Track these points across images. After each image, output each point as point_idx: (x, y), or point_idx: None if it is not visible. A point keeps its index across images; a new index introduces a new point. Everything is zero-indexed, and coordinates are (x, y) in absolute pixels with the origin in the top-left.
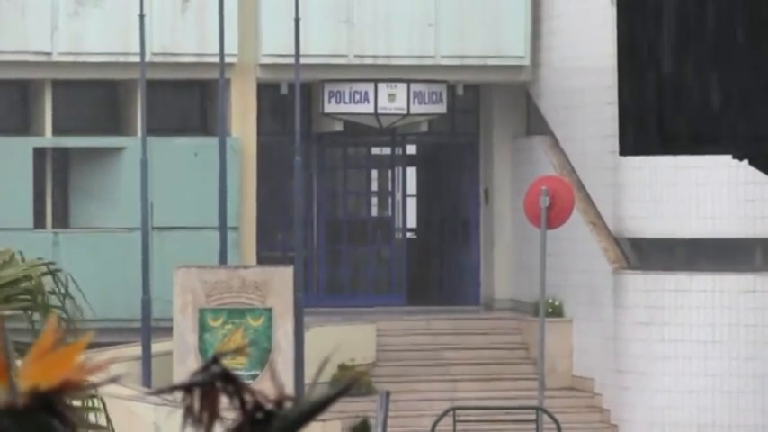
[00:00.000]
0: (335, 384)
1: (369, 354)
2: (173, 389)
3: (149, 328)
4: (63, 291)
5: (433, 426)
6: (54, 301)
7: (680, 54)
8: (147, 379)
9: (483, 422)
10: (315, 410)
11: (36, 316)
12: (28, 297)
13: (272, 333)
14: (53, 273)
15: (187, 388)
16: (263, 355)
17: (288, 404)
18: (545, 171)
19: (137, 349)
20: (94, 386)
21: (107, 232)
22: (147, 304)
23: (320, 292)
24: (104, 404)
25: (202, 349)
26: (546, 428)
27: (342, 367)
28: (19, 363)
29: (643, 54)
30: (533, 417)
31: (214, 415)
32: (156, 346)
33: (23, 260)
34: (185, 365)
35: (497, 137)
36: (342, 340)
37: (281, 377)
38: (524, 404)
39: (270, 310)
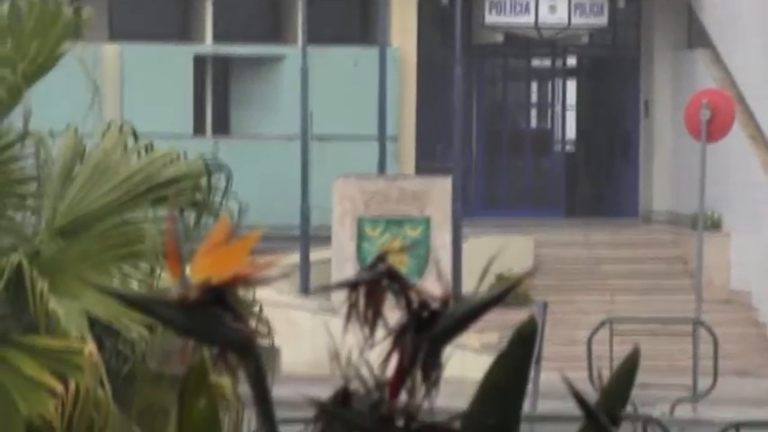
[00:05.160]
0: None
1: (526, 265)
2: (339, 286)
3: (308, 236)
4: (224, 188)
5: (590, 337)
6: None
7: None
8: (305, 286)
9: (639, 334)
10: (479, 310)
11: (192, 217)
12: (190, 196)
13: (429, 243)
14: (211, 172)
15: (353, 285)
16: (420, 263)
17: (452, 304)
18: (706, 84)
19: (295, 257)
20: (264, 281)
21: (267, 140)
22: (306, 212)
23: (478, 204)
24: (261, 308)
25: (360, 258)
26: (702, 341)
27: (500, 278)
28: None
29: None
30: (690, 330)
31: (378, 313)
32: (315, 254)
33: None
34: (343, 273)
35: (658, 50)
36: (499, 251)
37: (447, 276)
38: (681, 317)
39: (428, 220)
